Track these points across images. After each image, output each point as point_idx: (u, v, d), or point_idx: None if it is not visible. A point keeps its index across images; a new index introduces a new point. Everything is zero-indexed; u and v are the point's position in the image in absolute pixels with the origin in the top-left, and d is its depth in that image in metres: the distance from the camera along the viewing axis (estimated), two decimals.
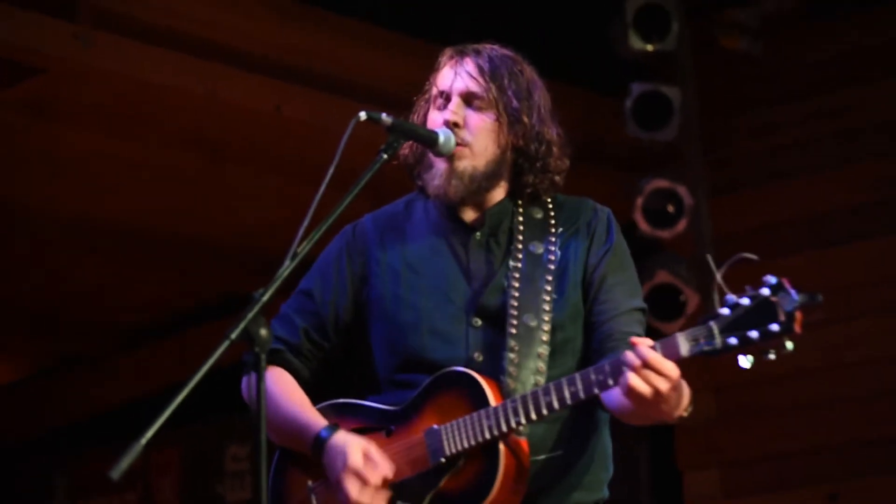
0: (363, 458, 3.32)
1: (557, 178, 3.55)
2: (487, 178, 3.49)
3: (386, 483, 3.33)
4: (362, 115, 3.33)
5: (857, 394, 6.99)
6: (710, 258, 3.02)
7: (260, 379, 2.88)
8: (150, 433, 2.71)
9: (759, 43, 7.35)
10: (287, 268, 3.07)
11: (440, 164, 3.46)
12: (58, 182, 7.31)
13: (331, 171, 3.20)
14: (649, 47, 6.90)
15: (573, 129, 3.62)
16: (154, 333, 9.53)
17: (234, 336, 2.86)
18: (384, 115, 3.38)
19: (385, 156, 3.37)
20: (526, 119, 3.49)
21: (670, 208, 6.91)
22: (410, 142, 3.49)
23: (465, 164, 3.46)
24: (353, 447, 3.33)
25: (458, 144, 3.46)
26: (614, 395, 3.24)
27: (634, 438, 7.20)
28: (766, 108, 7.47)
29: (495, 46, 3.56)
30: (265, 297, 2.94)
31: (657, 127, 6.91)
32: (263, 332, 2.87)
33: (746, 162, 7.47)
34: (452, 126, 3.45)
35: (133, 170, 7.23)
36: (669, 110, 6.91)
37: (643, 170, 7.08)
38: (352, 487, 3.30)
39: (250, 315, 2.87)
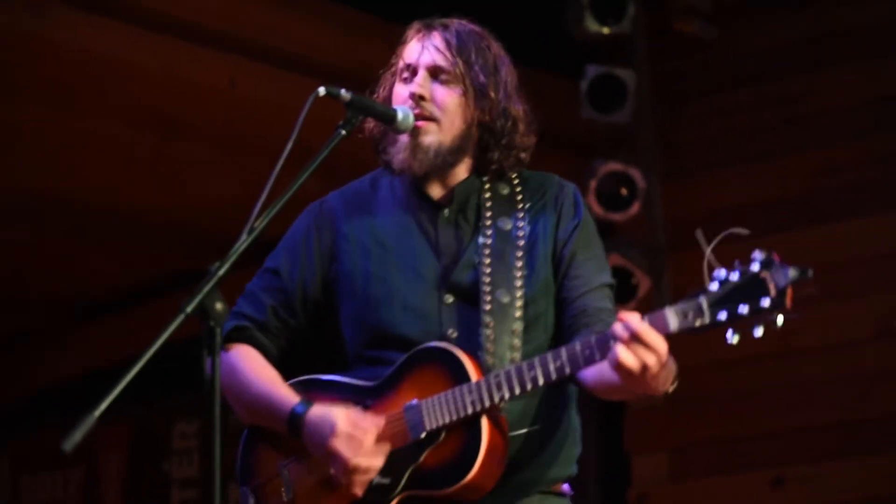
0: (350, 423, 3.29)
1: (523, 154, 3.56)
2: (453, 153, 3.49)
3: (378, 439, 3.30)
4: (321, 90, 3.32)
5: (804, 380, 7.03)
6: (699, 234, 3.01)
7: (215, 354, 2.86)
8: (103, 406, 2.69)
9: (712, 28, 7.37)
10: (244, 242, 3.05)
11: (404, 138, 3.46)
12: (8, 155, 7.24)
13: (289, 145, 3.18)
14: (605, 30, 6.91)
15: (539, 121, 3.63)
16: (103, 309, 9.48)
17: (189, 309, 2.84)
18: (343, 91, 3.37)
19: (343, 132, 3.36)
20: (492, 94, 3.49)
21: (623, 191, 6.93)
22: (368, 117, 3.48)
23: (430, 139, 3.46)
24: (338, 414, 3.31)
25: (425, 119, 3.46)
26: (594, 371, 3.24)
27: (583, 422, 7.21)
28: (719, 93, 7.50)
29: (463, 21, 3.57)
30: (221, 272, 2.92)
31: (611, 109, 6.92)
32: (219, 306, 2.85)
33: (699, 146, 7.49)
34: (418, 99, 3.45)
35: (84, 143, 7.17)
36: (624, 93, 6.92)
37: (597, 152, 7.09)
38: (347, 453, 3.27)
39: (206, 288, 2.85)
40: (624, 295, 6.84)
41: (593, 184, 6.89)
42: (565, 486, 3.49)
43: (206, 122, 7.01)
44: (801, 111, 7.26)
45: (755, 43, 7.43)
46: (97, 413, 2.69)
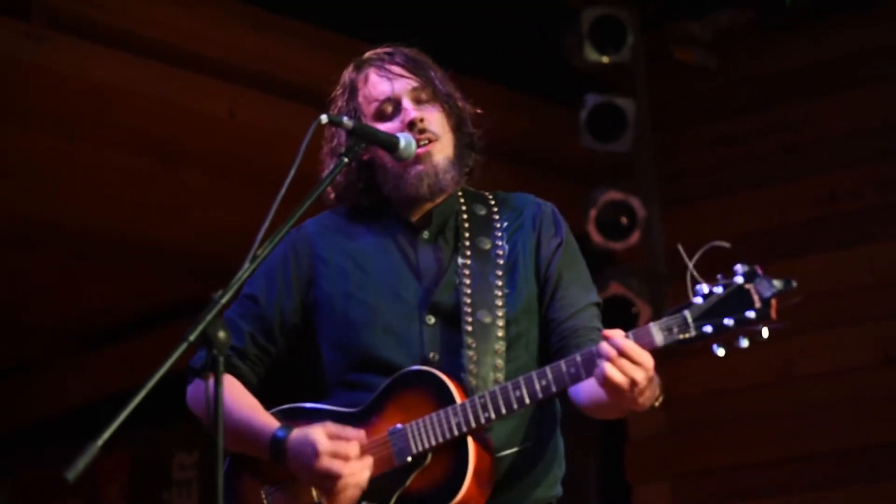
0: (329, 437, 3.27)
1: (476, 149, 3.59)
2: (458, 165, 3.52)
3: (363, 451, 3.29)
4: (324, 118, 3.34)
5: (807, 407, 7.01)
6: (681, 248, 3.01)
7: (218, 382, 2.84)
8: (106, 434, 2.68)
9: (713, 56, 7.38)
10: (246, 270, 3.05)
11: (419, 167, 3.45)
12: (8, 183, 7.24)
13: (292, 173, 3.17)
14: (604, 59, 6.91)
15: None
16: (103, 338, 9.46)
17: (192, 338, 2.83)
18: (346, 119, 3.38)
19: (346, 160, 3.36)
20: (459, 103, 3.55)
21: (623, 220, 6.92)
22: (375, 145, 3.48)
23: (439, 158, 3.49)
24: (316, 433, 3.28)
25: (429, 141, 3.47)
26: (585, 389, 3.25)
27: (583, 451, 7.20)
28: (719, 121, 7.50)
29: (392, 45, 3.61)
30: (224, 300, 2.91)
31: (611, 139, 6.92)
32: (222, 334, 2.84)
33: (699, 175, 7.49)
34: (419, 123, 3.46)
35: (84, 172, 7.17)
36: (624, 122, 6.92)
37: (597, 181, 7.09)
38: (337, 467, 3.24)
39: (209, 317, 2.84)
40: (624, 324, 6.80)
41: (593, 213, 6.88)
42: None
43: (206, 151, 7.01)
44: (802, 139, 7.26)
45: (755, 71, 7.44)
46: (100, 442, 2.68)
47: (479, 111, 3.60)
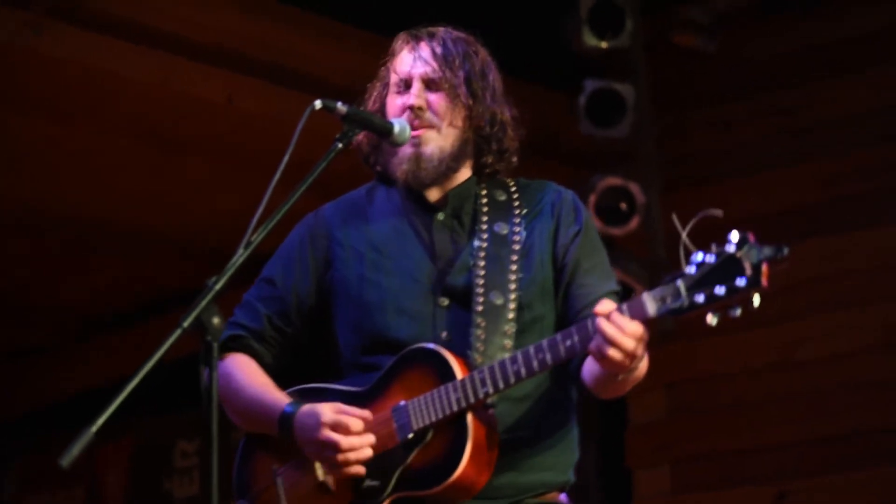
0: (335, 411, 3.31)
1: (514, 158, 3.60)
2: (454, 159, 3.53)
3: (367, 428, 3.32)
4: (317, 103, 3.35)
5: (808, 392, 7.01)
6: (675, 218, 3.02)
7: (212, 368, 2.87)
8: (100, 421, 2.69)
9: (713, 40, 7.37)
10: (241, 256, 3.06)
11: (407, 149, 3.49)
12: (9, 170, 7.25)
13: (285, 159, 3.19)
14: (603, 44, 6.89)
15: (526, 125, 3.65)
16: (105, 325, 9.47)
17: (186, 324, 2.85)
18: (339, 104, 3.40)
19: (340, 145, 3.38)
20: (483, 100, 3.54)
21: (623, 206, 6.92)
22: (365, 131, 3.50)
23: (432, 147, 3.50)
24: (322, 406, 3.34)
25: (424, 127, 3.50)
26: (588, 367, 3.30)
27: (583, 436, 7.20)
28: (719, 105, 7.49)
29: (449, 29, 3.62)
30: (218, 286, 2.93)
31: (610, 124, 6.91)
32: (216, 320, 2.86)
33: (699, 160, 7.49)
34: (417, 110, 3.47)
35: (83, 159, 7.18)
36: (623, 107, 6.91)
37: (596, 167, 7.08)
38: (337, 438, 3.29)
39: (203, 303, 2.86)
40: None
41: (593, 198, 6.88)
42: (563, 497, 3.49)
43: (205, 138, 7.01)
44: (802, 123, 7.25)
45: (754, 55, 7.43)
46: (94, 428, 2.69)
47: (514, 117, 3.60)
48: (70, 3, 6.09)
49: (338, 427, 3.30)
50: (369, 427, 3.34)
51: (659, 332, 7.02)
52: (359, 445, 3.30)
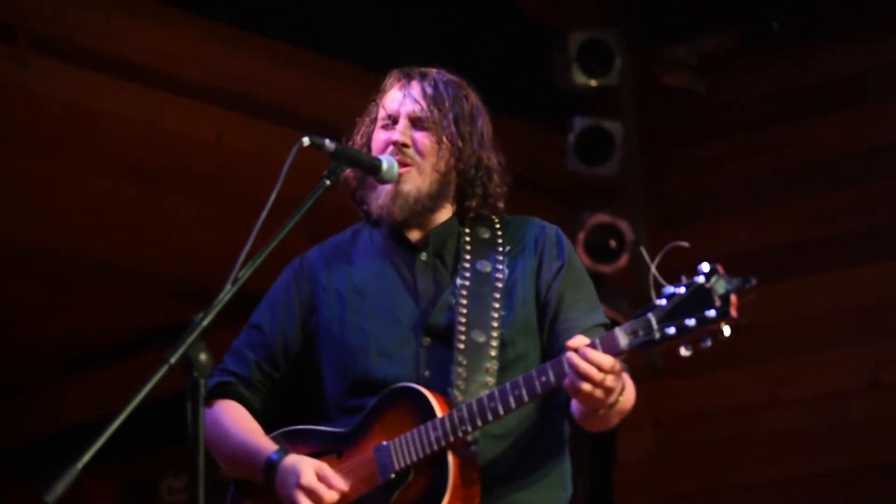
0: (316, 476, 3.31)
1: (499, 203, 3.61)
2: (431, 199, 3.53)
3: (340, 502, 3.31)
4: (305, 140, 3.34)
5: (794, 430, 7.02)
6: (643, 249, 3.04)
7: (199, 405, 2.85)
8: (86, 457, 2.67)
9: (700, 79, 7.39)
10: (227, 293, 3.05)
11: (386, 186, 3.48)
12: None
13: (273, 195, 3.19)
14: (592, 82, 6.92)
15: (514, 162, 3.66)
16: (89, 362, 9.43)
17: (172, 360, 2.84)
18: (327, 141, 3.40)
19: (328, 182, 3.38)
20: (469, 144, 3.55)
21: (612, 243, 6.92)
22: (352, 168, 3.50)
23: (409, 186, 3.51)
24: (305, 466, 3.34)
25: (404, 165, 3.49)
26: (574, 402, 3.28)
27: (573, 472, 7.19)
28: (706, 143, 7.52)
29: (442, 71, 3.63)
30: (205, 322, 2.91)
31: (599, 161, 6.92)
32: (203, 356, 2.84)
33: (687, 197, 7.50)
34: (401, 146, 3.47)
35: (68, 195, 7.14)
36: (611, 145, 6.92)
37: (584, 203, 7.09)
38: None
39: (190, 339, 2.84)
40: None
41: (581, 236, 6.89)
42: None
43: (191, 175, 6.99)
44: (789, 161, 7.27)
45: (742, 93, 7.45)
46: (80, 465, 2.68)
47: (501, 163, 3.61)
48: (57, 39, 6.08)
49: (312, 494, 3.31)
50: (351, 469, 3.35)
51: (648, 370, 7.04)
52: None
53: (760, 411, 7.08)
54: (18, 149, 6.63)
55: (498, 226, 3.61)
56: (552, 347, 3.46)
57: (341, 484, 3.33)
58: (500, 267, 3.52)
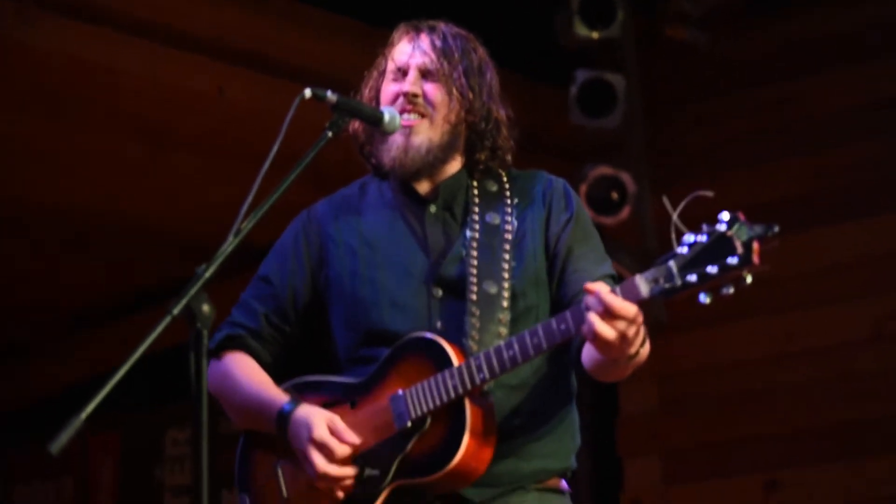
0: (328, 429, 3.33)
1: (507, 157, 3.63)
2: (443, 150, 3.55)
3: (352, 454, 3.33)
4: (307, 92, 3.36)
5: (798, 383, 7.04)
6: (666, 199, 3.04)
7: (202, 356, 2.86)
8: (90, 408, 2.68)
9: (704, 34, 7.38)
10: (230, 244, 3.06)
11: (397, 138, 3.51)
12: None
13: (275, 147, 3.19)
14: (594, 35, 6.90)
15: (517, 116, 3.67)
16: (97, 319, 9.46)
17: (176, 311, 2.85)
18: (329, 93, 3.41)
19: (330, 133, 3.39)
20: (478, 96, 3.57)
21: (614, 196, 6.92)
22: (354, 119, 3.51)
23: (421, 137, 3.53)
24: (317, 419, 3.36)
25: (417, 114, 3.52)
26: (586, 352, 3.29)
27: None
28: (708, 97, 7.51)
29: (450, 24, 3.65)
30: (208, 273, 2.92)
31: (601, 114, 6.91)
32: (206, 308, 2.85)
33: (689, 150, 7.51)
34: (412, 97, 3.49)
35: (72, 152, 7.16)
36: (614, 98, 6.91)
37: (586, 158, 7.09)
38: (318, 460, 3.32)
39: (193, 290, 2.85)
40: None
41: (584, 188, 6.89)
42: (563, 484, 3.50)
43: (196, 130, 7.00)
44: (792, 116, 7.27)
45: (745, 48, 7.44)
46: (84, 415, 2.69)
47: (510, 117, 3.63)
48: None
49: (323, 448, 3.33)
50: (367, 417, 3.37)
51: (651, 324, 7.06)
52: (333, 476, 3.33)
53: (763, 366, 7.10)
54: (22, 106, 6.63)
55: (505, 179, 3.63)
56: (561, 298, 3.48)
57: (353, 437, 3.34)
58: (509, 219, 3.54)
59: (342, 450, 3.33)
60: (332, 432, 3.35)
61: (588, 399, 7.11)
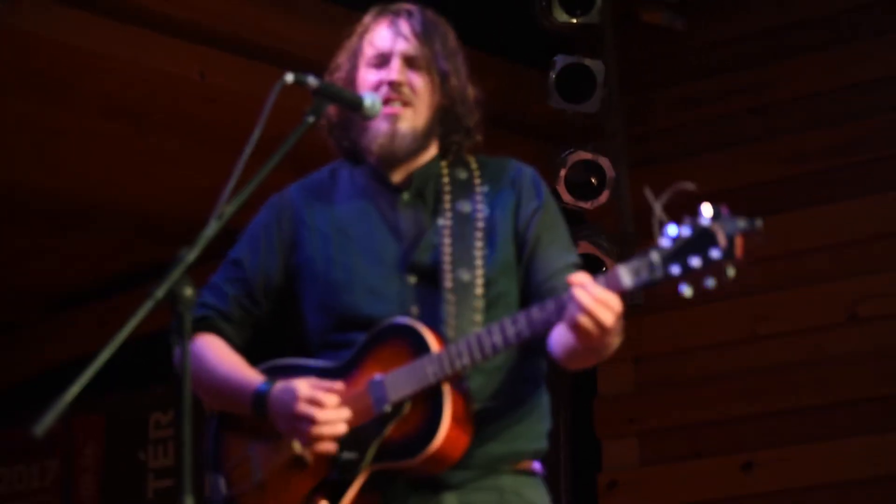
0: (311, 386, 3.35)
1: (478, 137, 3.67)
2: (426, 137, 3.60)
3: (342, 402, 3.35)
4: (289, 77, 3.37)
5: (773, 365, 7.07)
6: (648, 191, 3.06)
7: (185, 339, 2.88)
8: (74, 389, 2.70)
9: (681, 18, 7.40)
10: (212, 228, 3.08)
11: (382, 125, 3.52)
12: None
13: (257, 132, 3.21)
14: (573, 20, 6.92)
15: (496, 101, 3.71)
16: (77, 301, 9.44)
17: (159, 295, 2.86)
18: (311, 78, 3.42)
19: (311, 118, 3.40)
20: (455, 80, 3.58)
21: (593, 180, 6.95)
22: (335, 106, 3.54)
23: (407, 126, 3.56)
24: (300, 383, 3.38)
25: (402, 103, 3.53)
26: (557, 340, 3.33)
27: (554, 406, 7.25)
28: (687, 82, 7.53)
29: (421, 7, 3.65)
30: (190, 257, 2.93)
31: (580, 99, 6.94)
32: (188, 291, 2.87)
33: (668, 135, 7.53)
34: (397, 86, 3.51)
35: (54, 135, 7.15)
36: (593, 83, 6.93)
37: (566, 142, 7.11)
38: (312, 411, 3.33)
39: (176, 274, 2.87)
40: None
41: (563, 172, 6.91)
42: (536, 465, 3.54)
43: (176, 113, 6.99)
44: (768, 100, 7.30)
45: (723, 33, 7.46)
46: (68, 397, 2.69)
47: (477, 96, 3.67)
48: None
49: (313, 401, 3.33)
50: (345, 401, 3.38)
51: (628, 306, 7.09)
52: (333, 420, 3.34)
53: (739, 347, 7.13)
54: (2, 88, 6.62)
55: (475, 167, 3.66)
56: (527, 285, 3.53)
57: (337, 386, 3.37)
58: (480, 207, 3.57)
59: (331, 398, 3.35)
60: (316, 386, 3.37)
61: (567, 381, 7.16)
